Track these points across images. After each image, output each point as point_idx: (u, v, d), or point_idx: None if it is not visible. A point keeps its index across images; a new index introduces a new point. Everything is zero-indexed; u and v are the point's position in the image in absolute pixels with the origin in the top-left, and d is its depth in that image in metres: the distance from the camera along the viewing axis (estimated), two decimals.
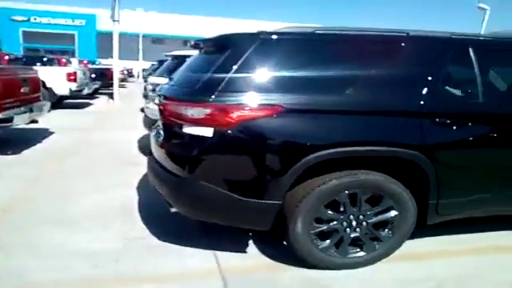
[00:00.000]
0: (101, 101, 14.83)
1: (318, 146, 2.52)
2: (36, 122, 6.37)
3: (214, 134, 2.49)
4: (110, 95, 15.73)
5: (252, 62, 2.58)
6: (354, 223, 2.73)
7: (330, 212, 2.69)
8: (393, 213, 2.76)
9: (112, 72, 16.25)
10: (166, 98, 2.87)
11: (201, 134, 2.52)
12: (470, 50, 2.85)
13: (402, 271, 2.82)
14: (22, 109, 5.87)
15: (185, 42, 45.46)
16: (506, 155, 2.93)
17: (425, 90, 2.72)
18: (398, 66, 2.78)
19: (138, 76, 34.03)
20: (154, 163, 3.08)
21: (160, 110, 2.96)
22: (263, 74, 2.61)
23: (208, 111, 2.49)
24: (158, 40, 44.47)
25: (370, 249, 2.80)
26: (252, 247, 3.10)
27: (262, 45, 2.63)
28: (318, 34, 2.80)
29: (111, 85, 16.05)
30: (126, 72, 26.38)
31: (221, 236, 3.21)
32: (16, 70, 6.35)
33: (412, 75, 2.78)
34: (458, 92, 3.01)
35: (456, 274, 2.81)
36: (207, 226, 3.25)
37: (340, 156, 2.56)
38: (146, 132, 7.55)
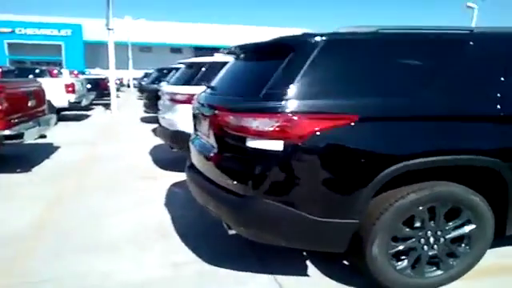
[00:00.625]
0: (98, 112, 14.43)
1: (399, 157, 2.29)
2: (44, 136, 6.03)
3: (285, 147, 2.24)
4: (106, 106, 15.37)
5: (319, 66, 2.35)
6: (431, 240, 2.50)
7: (407, 229, 2.45)
8: (471, 226, 2.54)
9: (106, 82, 15.90)
10: (218, 108, 2.61)
11: (269, 148, 2.27)
12: None
13: None
14: (31, 123, 5.54)
15: (172, 49, 45.41)
16: None
17: (500, 92, 2.52)
18: (470, 66, 2.57)
19: (129, 85, 33.59)
20: (202, 180, 2.82)
21: (212, 121, 2.69)
22: (333, 78, 2.38)
23: (277, 123, 2.25)
24: (145, 48, 44.09)
25: (447, 267, 2.58)
26: (312, 269, 2.85)
27: (329, 47, 2.39)
28: (384, 33, 2.57)
29: (106, 95, 15.70)
30: (117, 81, 25.96)
31: (274, 257, 2.95)
32: (22, 83, 6.00)
33: (486, 76, 2.57)
34: None
35: None
36: (257, 247, 2.99)
37: (422, 167, 2.34)
38: (155, 143, 7.26)
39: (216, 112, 2.62)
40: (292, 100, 2.26)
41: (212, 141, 2.73)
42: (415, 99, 2.42)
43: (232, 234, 2.58)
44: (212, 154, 2.69)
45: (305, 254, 3.02)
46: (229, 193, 2.48)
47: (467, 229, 2.55)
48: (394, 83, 2.45)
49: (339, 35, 2.49)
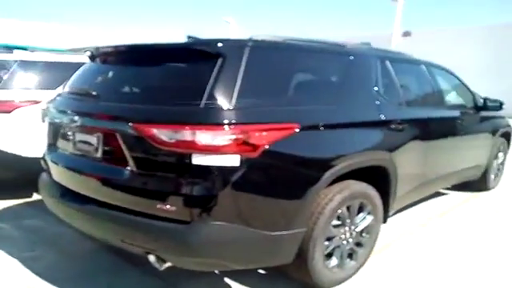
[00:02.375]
0: None
1: (334, 162, 2.41)
2: None
3: (241, 162, 2.02)
4: None
5: (256, 74, 2.22)
6: (348, 235, 2.71)
7: (334, 229, 2.59)
8: (371, 217, 2.88)
9: None
10: (137, 120, 2.12)
11: (222, 164, 2.00)
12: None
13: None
14: None
15: None
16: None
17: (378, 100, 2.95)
18: (357, 78, 2.90)
19: None
20: (98, 209, 2.28)
21: (124, 136, 2.17)
22: (271, 86, 2.30)
23: (232, 136, 2.00)
24: None
25: (357, 256, 2.84)
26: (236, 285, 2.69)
27: (262, 53, 2.31)
28: (292, 44, 2.64)
29: None
30: None
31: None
32: None
33: (367, 86, 2.95)
34: None
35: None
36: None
37: (349, 170, 2.51)
38: None
39: (132, 125, 2.12)
40: (241, 110, 2.06)
41: (119, 159, 2.22)
42: (338, 107, 2.57)
43: (167, 266, 2.17)
44: (126, 177, 2.19)
45: (217, 272, 2.82)
46: (165, 220, 2.08)
47: (369, 219, 2.87)
48: (314, 92, 2.56)
49: (267, 42, 2.41)
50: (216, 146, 1.98)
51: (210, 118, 2.00)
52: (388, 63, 3.20)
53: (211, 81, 2.06)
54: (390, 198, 3.05)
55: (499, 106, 4.42)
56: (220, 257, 2.15)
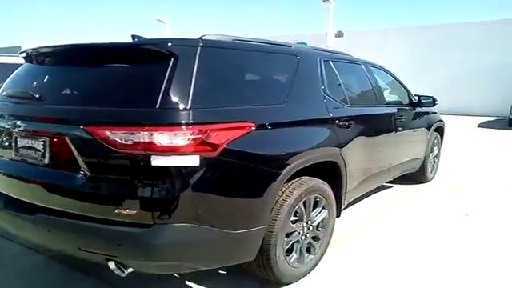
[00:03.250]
0: None
1: (290, 158, 2.47)
2: None
3: (201, 162, 2.01)
4: None
5: (209, 73, 2.23)
6: (305, 230, 2.79)
7: (293, 224, 2.65)
8: (325, 211, 2.98)
9: None
10: (90, 123, 2.04)
11: (182, 164, 1.98)
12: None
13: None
14: None
15: None
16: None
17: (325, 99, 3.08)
18: (304, 77, 3.01)
19: None
20: (51, 218, 2.16)
21: (74, 140, 2.09)
22: (224, 85, 2.31)
23: (192, 135, 1.99)
24: None
25: (315, 250, 2.92)
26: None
27: (213, 53, 2.32)
28: (243, 44, 2.68)
29: None
30: None
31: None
32: None
33: (314, 85, 3.07)
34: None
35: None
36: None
37: (306, 165, 2.60)
38: None
39: (83, 128, 2.04)
40: (198, 110, 2.06)
41: (70, 164, 2.13)
42: (288, 105, 2.64)
43: (128, 272, 2.10)
44: (79, 182, 2.09)
45: (177, 275, 2.77)
46: (125, 225, 2.02)
47: (324, 214, 2.96)
48: (265, 91, 2.63)
49: (218, 42, 2.43)
50: (175, 147, 1.96)
51: (167, 119, 1.98)
52: (331, 63, 3.34)
53: (165, 81, 2.03)
54: (341, 192, 3.17)
55: (432, 102, 4.75)
56: (183, 259, 2.13)
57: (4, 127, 2.46)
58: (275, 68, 2.81)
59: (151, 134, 1.94)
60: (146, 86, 2.09)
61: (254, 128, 2.25)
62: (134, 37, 2.42)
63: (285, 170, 2.43)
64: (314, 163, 2.73)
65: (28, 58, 2.70)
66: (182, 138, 1.97)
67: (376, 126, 3.79)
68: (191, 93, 2.06)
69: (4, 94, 2.60)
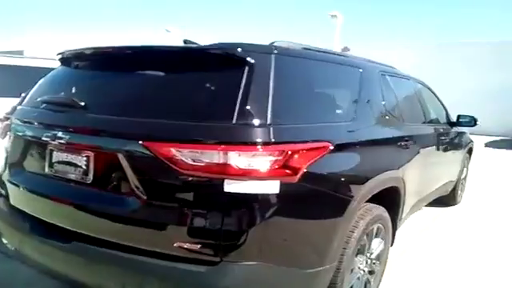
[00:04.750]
0: None
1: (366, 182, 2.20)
2: None
3: (281, 189, 1.69)
4: None
5: (287, 85, 1.93)
6: (364, 263, 2.48)
7: (356, 259, 2.34)
8: (383, 241, 2.68)
9: None
10: (152, 138, 1.71)
11: (259, 191, 1.67)
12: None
13: None
14: None
15: None
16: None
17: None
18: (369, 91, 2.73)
19: None
20: (92, 248, 1.83)
21: (133, 158, 1.75)
22: (302, 100, 2.01)
23: (272, 156, 1.68)
24: None
25: (370, 285, 2.61)
26: None
27: (285, 62, 1.99)
28: (316, 53, 2.38)
29: None
30: None
31: None
32: None
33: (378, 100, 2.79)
34: None
35: None
36: None
37: (376, 191, 2.31)
38: None
39: (143, 143, 1.72)
40: (278, 127, 1.75)
41: (120, 185, 1.82)
42: (357, 123, 2.34)
43: None
44: (133, 207, 1.77)
45: None
46: (183, 262, 1.69)
47: (381, 244, 2.66)
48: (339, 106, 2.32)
49: (291, 50, 2.12)
50: (253, 170, 1.65)
51: (246, 136, 1.66)
52: (388, 77, 3.06)
53: (241, 92, 1.72)
54: (397, 219, 2.88)
55: (473, 122, 4.49)
56: None
57: (36, 137, 2.13)
58: (343, 81, 2.52)
59: (227, 154, 1.62)
60: (218, 96, 1.78)
61: (331, 148, 1.94)
62: (185, 41, 2.13)
63: (358, 197, 2.13)
64: (382, 188, 2.43)
65: (66, 61, 2.37)
66: (262, 159, 1.66)
67: (427, 146, 3.51)
68: (270, 106, 1.75)
69: (39, 99, 2.25)
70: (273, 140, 1.69)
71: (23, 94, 2.67)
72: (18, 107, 2.46)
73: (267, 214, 1.69)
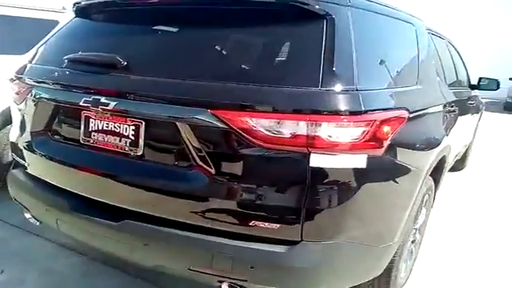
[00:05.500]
0: None
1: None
2: None
3: (368, 163, 1.52)
4: None
5: (360, 43, 1.66)
6: (412, 234, 2.37)
7: (412, 230, 2.23)
8: (426, 211, 2.57)
9: None
10: (224, 107, 1.49)
11: (346, 166, 1.49)
12: None
13: None
14: None
15: None
16: None
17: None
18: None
19: None
20: (152, 227, 1.64)
21: (200, 130, 1.52)
22: (374, 59, 1.80)
23: (362, 127, 1.48)
24: None
25: (412, 256, 2.52)
26: None
27: (358, 16, 1.72)
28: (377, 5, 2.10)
29: None
30: None
31: None
32: None
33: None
34: None
35: None
36: None
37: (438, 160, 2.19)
38: None
39: (212, 112, 1.48)
40: (365, 92, 1.54)
41: (181, 159, 1.61)
42: (422, 87, 2.16)
43: None
44: (199, 183, 1.56)
45: None
46: (259, 242, 1.53)
47: (424, 214, 2.56)
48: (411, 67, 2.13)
49: (362, 2, 1.85)
50: (343, 143, 1.46)
51: (337, 105, 1.45)
52: (432, 37, 2.85)
53: (325, 53, 1.50)
54: (437, 187, 2.78)
55: (496, 85, 4.32)
56: (323, 281, 1.65)
57: (67, 102, 1.85)
58: (405, 39, 2.29)
59: (315, 125, 1.42)
60: (298, 57, 1.56)
61: (409, 117, 1.76)
62: None
63: (428, 168, 1.99)
64: (440, 157, 2.30)
65: (88, 11, 2.06)
66: (352, 130, 1.47)
67: (461, 110, 3.36)
68: (355, 69, 1.53)
69: (64, 57, 1.93)
70: (363, 108, 1.49)
71: (33, 51, 2.35)
72: (32, 65, 2.14)
73: (352, 191, 1.53)
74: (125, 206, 1.71)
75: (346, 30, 1.58)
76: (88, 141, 1.82)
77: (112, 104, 1.65)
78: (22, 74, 2.12)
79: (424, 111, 2.07)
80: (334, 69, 1.48)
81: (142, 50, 1.78)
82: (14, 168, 2.28)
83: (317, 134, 1.42)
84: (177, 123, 1.55)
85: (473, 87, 4.41)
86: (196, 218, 1.58)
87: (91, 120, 1.80)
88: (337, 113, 1.44)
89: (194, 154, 1.55)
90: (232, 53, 1.65)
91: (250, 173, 1.52)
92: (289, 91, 1.46)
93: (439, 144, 2.22)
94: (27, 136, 2.09)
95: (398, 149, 1.71)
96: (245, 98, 1.47)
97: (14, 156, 2.25)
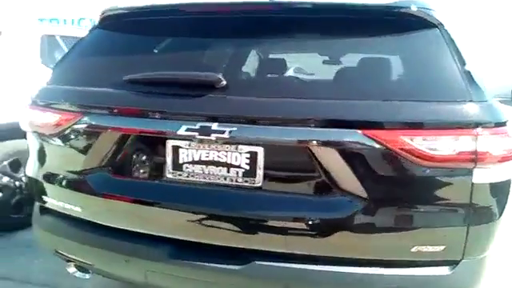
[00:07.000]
0: None
1: None
2: None
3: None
4: None
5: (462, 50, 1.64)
6: None
7: None
8: None
9: None
10: (378, 127, 1.34)
11: (501, 179, 1.43)
12: None
13: None
14: None
15: None
16: None
17: None
18: None
19: None
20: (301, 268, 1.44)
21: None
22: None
23: (508, 137, 1.43)
24: None
25: None
26: None
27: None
28: None
29: None
30: None
31: None
32: None
33: None
34: None
35: None
36: None
37: None
38: None
39: (365, 133, 1.32)
40: (493, 103, 1.49)
41: (319, 186, 1.44)
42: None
43: None
44: (348, 211, 1.39)
45: None
46: (418, 267, 1.42)
47: None
48: None
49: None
50: (502, 156, 1.40)
51: (490, 117, 1.38)
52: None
53: (457, 63, 1.45)
54: None
55: None
56: None
57: (145, 131, 1.55)
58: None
59: (480, 139, 1.34)
60: (435, 69, 1.48)
61: None
62: None
63: None
64: None
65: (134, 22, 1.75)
66: (505, 141, 1.41)
67: None
68: (477, 79, 1.48)
69: (125, 78, 1.57)
70: (503, 119, 1.44)
71: (58, 70, 1.93)
72: (67, 88, 1.75)
73: (505, 202, 1.49)
74: (244, 246, 1.48)
75: (451, 39, 1.54)
76: (179, 174, 1.53)
77: (227, 131, 1.39)
78: (52, 98, 1.73)
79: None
80: (474, 79, 1.43)
81: (246, 67, 1.54)
82: (42, 213, 1.88)
83: (482, 147, 1.34)
84: (310, 147, 1.36)
85: None
86: (350, 250, 1.42)
87: (181, 150, 1.51)
88: (497, 125, 1.38)
89: (339, 179, 1.38)
90: (368, 69, 1.51)
91: (410, 194, 1.40)
92: (442, 107, 1.36)
93: None
94: (70, 174, 1.72)
95: None
96: (402, 117, 1.34)
97: (47, 199, 1.84)
